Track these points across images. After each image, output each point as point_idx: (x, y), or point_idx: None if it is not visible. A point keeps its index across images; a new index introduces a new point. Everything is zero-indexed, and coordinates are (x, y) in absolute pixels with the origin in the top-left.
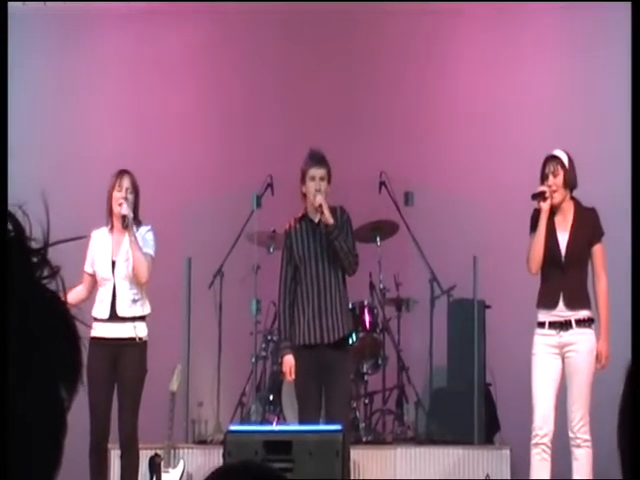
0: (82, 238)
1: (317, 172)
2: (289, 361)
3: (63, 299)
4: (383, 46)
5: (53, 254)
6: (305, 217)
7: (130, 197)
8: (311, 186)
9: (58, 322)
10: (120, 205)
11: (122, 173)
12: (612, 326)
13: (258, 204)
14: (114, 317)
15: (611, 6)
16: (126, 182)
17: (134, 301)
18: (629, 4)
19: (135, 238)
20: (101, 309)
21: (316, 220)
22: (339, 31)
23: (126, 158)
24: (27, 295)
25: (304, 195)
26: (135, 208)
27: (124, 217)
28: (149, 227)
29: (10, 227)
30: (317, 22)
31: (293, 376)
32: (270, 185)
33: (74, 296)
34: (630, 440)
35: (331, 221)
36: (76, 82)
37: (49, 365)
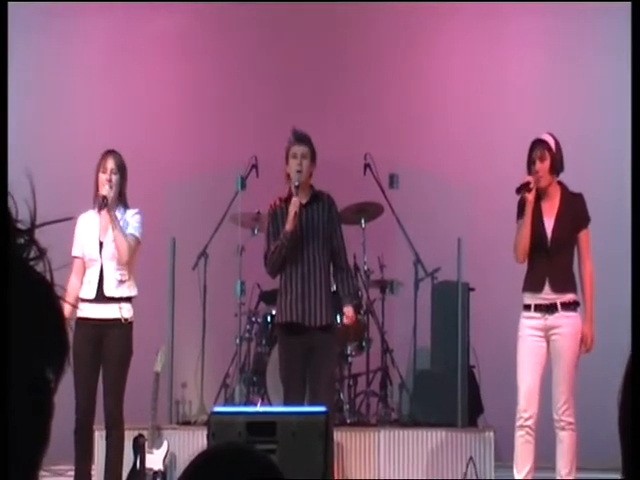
0: (69, 219)
1: (299, 149)
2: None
3: (50, 280)
4: (369, 30)
5: (39, 235)
6: (290, 198)
7: (115, 178)
8: (292, 164)
9: (45, 304)
10: (103, 186)
11: (107, 154)
12: (597, 310)
13: (242, 185)
14: (101, 297)
15: (598, 6)
16: (110, 163)
17: (121, 282)
18: (617, 5)
19: (115, 218)
20: (88, 289)
21: (303, 201)
22: (325, 16)
23: (109, 140)
24: (14, 276)
25: (288, 176)
26: (122, 189)
27: (104, 197)
28: (137, 210)
29: None
30: (302, 8)
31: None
32: (255, 166)
33: (73, 292)
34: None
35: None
36: (53, 69)
37: (36, 347)
